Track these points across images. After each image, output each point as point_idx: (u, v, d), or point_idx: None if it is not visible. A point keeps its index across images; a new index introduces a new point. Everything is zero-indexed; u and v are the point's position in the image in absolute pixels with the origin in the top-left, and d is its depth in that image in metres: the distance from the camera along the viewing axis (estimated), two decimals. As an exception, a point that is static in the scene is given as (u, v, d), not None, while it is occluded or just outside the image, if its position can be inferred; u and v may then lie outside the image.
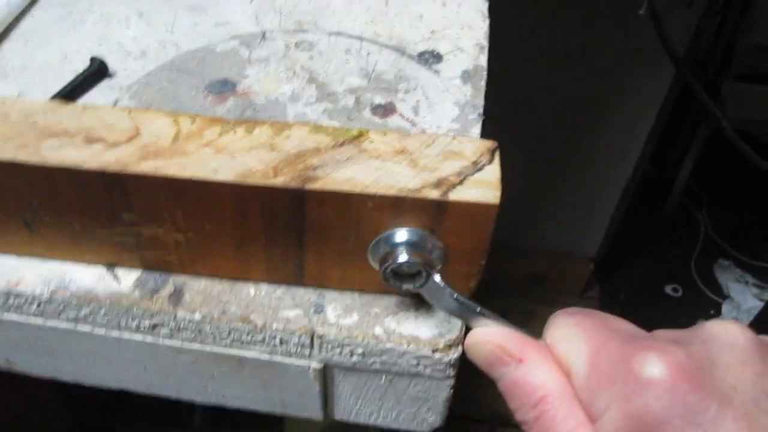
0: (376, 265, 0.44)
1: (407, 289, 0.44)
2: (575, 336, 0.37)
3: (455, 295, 0.42)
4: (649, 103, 1.55)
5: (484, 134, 0.59)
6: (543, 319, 0.41)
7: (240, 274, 0.49)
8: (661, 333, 0.37)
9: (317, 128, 0.45)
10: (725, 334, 0.35)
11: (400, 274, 0.43)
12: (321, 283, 0.48)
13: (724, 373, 0.33)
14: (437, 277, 0.43)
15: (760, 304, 1.97)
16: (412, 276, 0.43)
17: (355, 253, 0.45)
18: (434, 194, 0.41)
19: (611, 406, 0.34)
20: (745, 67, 1.85)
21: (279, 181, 0.41)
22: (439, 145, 0.44)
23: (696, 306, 2.04)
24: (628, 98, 1.55)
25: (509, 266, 2.04)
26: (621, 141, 1.66)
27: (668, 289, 2.09)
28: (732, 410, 0.31)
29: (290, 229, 0.44)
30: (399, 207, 0.42)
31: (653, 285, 2.11)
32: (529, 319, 2.06)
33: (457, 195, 0.41)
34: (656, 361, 0.33)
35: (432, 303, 0.44)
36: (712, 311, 2.03)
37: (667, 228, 2.20)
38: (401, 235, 0.43)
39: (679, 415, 0.32)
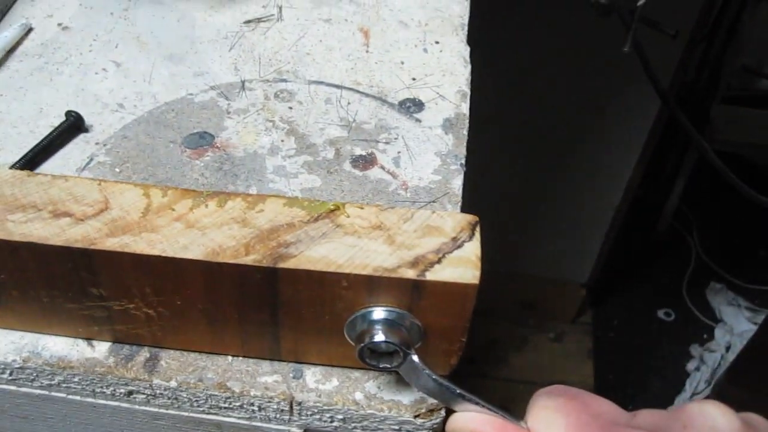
0: (353, 342, 0.43)
1: (384, 367, 0.43)
2: (555, 422, 0.36)
3: (433, 377, 0.41)
4: (638, 131, 1.55)
5: (473, 171, 0.58)
6: (535, 345, 0.41)
7: (214, 348, 0.48)
8: (643, 416, 0.36)
9: (292, 201, 0.44)
10: (705, 417, 0.34)
11: (377, 352, 0.42)
12: (298, 358, 0.47)
13: None
14: (415, 358, 0.42)
15: (753, 328, 1.96)
16: (389, 354, 0.42)
17: (331, 329, 0.44)
18: (411, 274, 0.40)
19: None
20: (732, 89, 1.85)
21: (250, 259, 0.40)
22: (418, 220, 0.43)
23: (689, 330, 2.04)
24: (616, 126, 1.55)
25: (501, 292, 2.03)
26: (611, 167, 1.66)
27: (660, 314, 2.08)
28: None
29: (263, 306, 0.43)
30: (374, 286, 0.41)
31: (645, 309, 2.10)
32: (522, 344, 2.05)
33: (434, 275, 0.40)
34: None
35: (410, 382, 0.43)
36: (705, 335, 2.02)
37: (658, 252, 2.20)
38: (377, 313, 0.42)
39: None
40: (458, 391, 0.40)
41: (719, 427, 0.33)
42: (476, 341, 2.06)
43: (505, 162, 1.66)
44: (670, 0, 1.16)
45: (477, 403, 0.40)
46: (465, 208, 0.55)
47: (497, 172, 1.61)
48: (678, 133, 1.95)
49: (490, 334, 2.08)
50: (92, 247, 0.41)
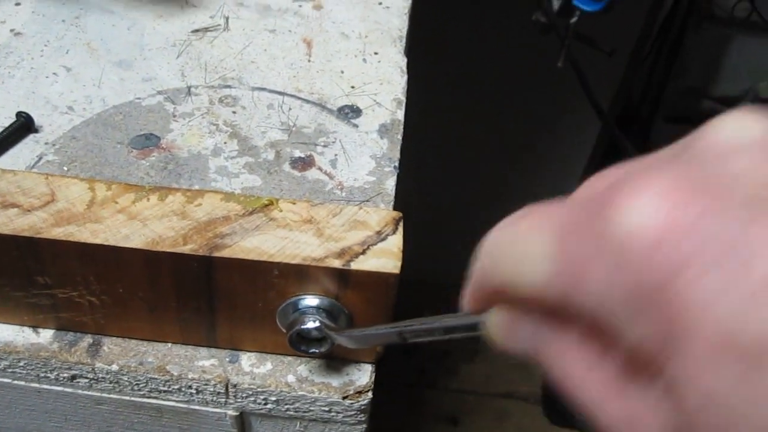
0: (284, 330, 0.46)
1: (313, 353, 0.46)
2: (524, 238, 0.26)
3: (367, 331, 0.43)
4: (580, 149, 1.61)
5: (404, 184, 0.61)
6: (485, 356, 0.39)
7: (154, 336, 0.50)
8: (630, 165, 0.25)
9: (229, 196, 0.47)
10: (725, 134, 0.23)
11: (306, 339, 0.46)
12: (233, 345, 0.50)
13: (741, 180, 0.22)
14: (342, 339, 0.44)
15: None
16: (318, 341, 0.46)
17: (264, 317, 0.47)
18: (337, 263, 0.43)
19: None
20: (678, 109, 1.92)
21: (188, 248, 0.43)
22: (346, 215, 0.46)
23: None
24: (558, 144, 1.60)
25: (455, 304, 2.06)
26: (554, 184, 1.71)
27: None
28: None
29: (200, 294, 0.46)
30: (304, 275, 0.44)
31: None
32: (473, 356, 2.08)
33: (359, 264, 0.43)
34: (632, 204, 0.22)
35: (355, 346, 0.45)
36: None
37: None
38: (307, 301, 0.45)
39: (695, 266, 0.20)
40: (398, 329, 0.38)
41: (747, 140, 0.23)
42: (428, 353, 2.10)
43: (448, 175, 1.70)
44: (611, 19, 1.22)
45: (422, 325, 0.36)
46: (397, 207, 0.58)
47: (439, 182, 1.65)
48: (619, 152, 2.01)
49: (442, 346, 2.12)
50: (38, 236, 0.44)
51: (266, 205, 0.47)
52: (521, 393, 2.06)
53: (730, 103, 1.97)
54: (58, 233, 0.44)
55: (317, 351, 0.47)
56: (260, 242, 0.44)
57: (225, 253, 0.44)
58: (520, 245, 0.26)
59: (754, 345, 0.19)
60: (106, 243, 0.44)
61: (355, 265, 0.44)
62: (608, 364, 0.24)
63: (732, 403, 0.19)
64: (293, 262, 0.44)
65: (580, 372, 0.25)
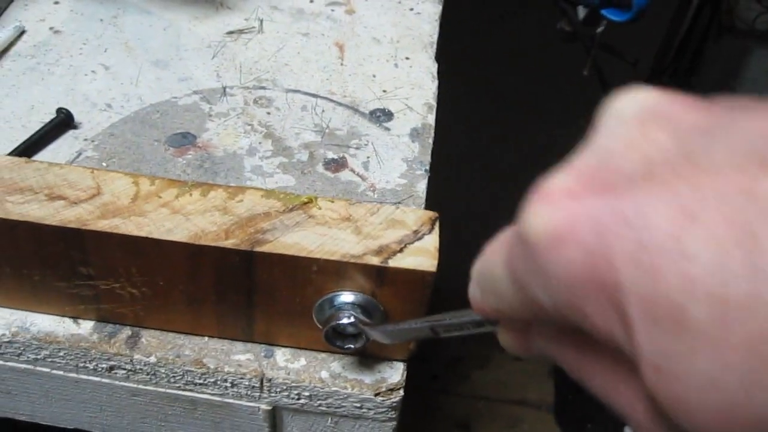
0: (320, 325, 0.47)
1: (348, 348, 0.47)
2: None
3: (400, 326, 0.44)
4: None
5: (434, 187, 0.62)
6: (498, 363, 0.39)
7: (191, 329, 0.51)
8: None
9: (269, 193, 0.48)
10: (613, 113, 0.24)
11: (342, 334, 0.47)
12: (269, 340, 0.51)
13: (625, 153, 0.23)
14: (376, 334, 0.45)
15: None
16: (353, 337, 0.47)
17: (301, 312, 0.48)
18: (375, 260, 0.44)
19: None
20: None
21: (230, 243, 0.44)
22: (383, 214, 0.47)
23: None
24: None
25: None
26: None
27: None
28: (654, 183, 0.21)
29: (239, 288, 0.47)
30: (342, 271, 0.45)
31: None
32: (485, 363, 2.09)
33: (396, 262, 0.44)
34: (532, 211, 0.23)
35: (388, 341, 0.46)
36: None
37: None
38: (344, 297, 0.46)
39: (602, 250, 0.21)
40: (430, 323, 0.40)
41: (628, 113, 0.24)
42: (441, 359, 2.11)
43: (476, 178, 1.71)
44: (633, 30, 1.23)
45: (453, 319, 0.38)
46: (428, 209, 0.59)
47: (468, 186, 1.66)
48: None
49: (455, 353, 2.13)
50: (84, 227, 0.45)
51: (305, 203, 0.48)
52: (533, 400, 2.06)
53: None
54: (104, 225, 0.45)
55: (352, 347, 0.48)
56: (300, 238, 0.45)
57: (266, 248, 0.45)
58: (489, 272, 0.27)
59: (670, 306, 0.19)
60: (150, 236, 0.45)
61: (392, 263, 0.45)
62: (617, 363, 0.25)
63: (676, 365, 0.20)
64: (332, 258, 0.45)
65: (602, 376, 0.26)
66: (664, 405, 0.21)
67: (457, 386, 2.09)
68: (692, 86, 1.86)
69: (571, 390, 2.05)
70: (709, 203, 0.19)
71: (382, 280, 0.46)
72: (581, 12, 1.02)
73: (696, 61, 1.84)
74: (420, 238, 0.47)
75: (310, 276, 0.46)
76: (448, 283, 0.56)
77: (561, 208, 0.22)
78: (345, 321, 0.46)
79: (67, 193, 0.47)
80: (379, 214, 0.48)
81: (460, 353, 2.11)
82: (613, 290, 0.20)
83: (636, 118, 0.23)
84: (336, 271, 0.45)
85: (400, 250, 0.46)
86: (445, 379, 2.08)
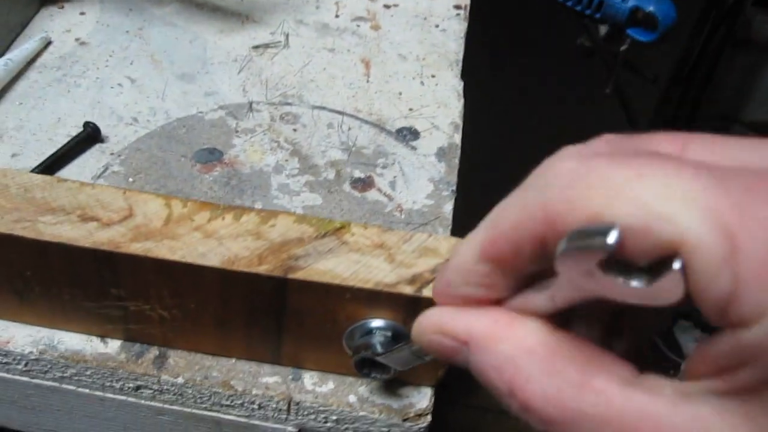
0: (349, 352, 0.47)
1: (375, 377, 0.47)
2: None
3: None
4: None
5: (460, 208, 0.62)
6: None
7: (219, 351, 0.51)
8: None
9: (302, 218, 0.48)
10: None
11: (371, 363, 0.46)
12: (297, 363, 0.51)
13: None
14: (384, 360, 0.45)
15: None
16: (382, 366, 0.46)
17: (330, 338, 0.48)
18: (408, 290, 0.44)
19: None
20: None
21: (263, 268, 0.44)
22: (416, 242, 0.47)
23: (656, 366, 2.08)
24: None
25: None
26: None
27: (629, 348, 2.12)
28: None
29: (270, 313, 0.47)
30: (374, 299, 0.45)
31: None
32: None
33: (430, 291, 0.44)
34: None
35: (405, 367, 0.46)
36: (672, 371, 2.06)
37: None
38: (374, 324, 0.46)
39: None
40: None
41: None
42: (451, 369, 2.10)
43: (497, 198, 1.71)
44: (650, 45, 1.23)
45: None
46: (455, 232, 0.59)
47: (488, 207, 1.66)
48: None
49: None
50: (117, 250, 0.45)
51: (338, 229, 0.48)
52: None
53: (759, 128, 1.97)
54: (137, 248, 0.45)
55: (378, 376, 0.47)
56: (334, 265, 0.45)
57: (299, 275, 0.44)
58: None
59: None
60: (183, 260, 0.45)
61: (426, 292, 0.44)
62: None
63: None
64: (366, 286, 0.44)
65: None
66: None
67: (465, 397, 2.09)
68: (705, 101, 1.86)
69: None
70: None
71: (415, 310, 0.45)
72: (602, 29, 1.02)
73: (711, 74, 1.84)
74: None
75: (342, 303, 0.45)
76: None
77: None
78: (376, 350, 0.46)
79: (100, 214, 0.47)
80: (411, 242, 0.47)
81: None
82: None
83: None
84: (369, 299, 0.45)
85: (433, 279, 0.45)
86: (453, 389, 2.08)
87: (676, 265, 0.21)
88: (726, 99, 1.93)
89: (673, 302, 0.23)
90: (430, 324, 0.31)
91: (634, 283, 0.23)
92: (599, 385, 0.25)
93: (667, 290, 0.22)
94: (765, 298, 0.21)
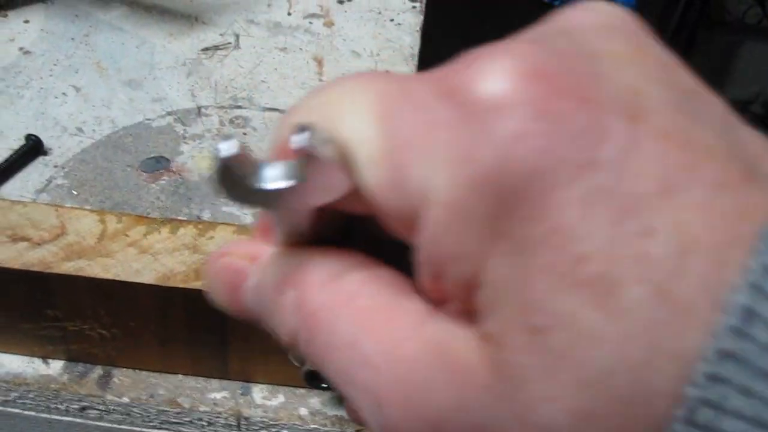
0: (297, 364, 0.46)
1: (325, 387, 0.45)
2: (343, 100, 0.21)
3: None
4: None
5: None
6: None
7: (165, 368, 0.50)
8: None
9: (242, 229, 0.46)
10: (592, 13, 0.20)
11: (319, 375, 0.45)
12: (245, 377, 0.50)
13: (613, 72, 0.18)
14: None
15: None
16: None
17: (277, 351, 0.46)
18: None
19: (436, 179, 0.18)
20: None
21: (200, 283, 0.43)
22: None
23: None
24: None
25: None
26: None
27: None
28: (649, 127, 0.17)
29: (213, 328, 0.45)
30: None
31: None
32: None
33: None
34: (495, 70, 0.18)
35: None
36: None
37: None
38: None
39: (560, 157, 0.17)
40: None
41: (617, 24, 0.21)
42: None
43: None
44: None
45: None
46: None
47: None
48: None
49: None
50: (48, 270, 0.43)
51: None
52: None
53: (738, 107, 1.97)
54: (69, 268, 0.44)
55: (329, 386, 0.46)
56: None
57: None
58: (335, 106, 0.21)
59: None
60: (117, 278, 0.43)
61: None
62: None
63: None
64: None
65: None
66: None
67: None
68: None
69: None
70: None
71: None
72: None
73: (686, 55, 1.83)
74: None
75: None
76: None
77: (536, 89, 0.18)
78: None
79: (30, 233, 0.45)
80: None
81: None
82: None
83: (630, 34, 0.21)
84: None
85: None
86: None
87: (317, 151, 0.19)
88: (703, 78, 1.93)
89: (340, 193, 0.20)
90: (218, 252, 0.27)
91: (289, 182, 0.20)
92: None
93: (328, 184, 0.20)
94: (421, 183, 0.18)
